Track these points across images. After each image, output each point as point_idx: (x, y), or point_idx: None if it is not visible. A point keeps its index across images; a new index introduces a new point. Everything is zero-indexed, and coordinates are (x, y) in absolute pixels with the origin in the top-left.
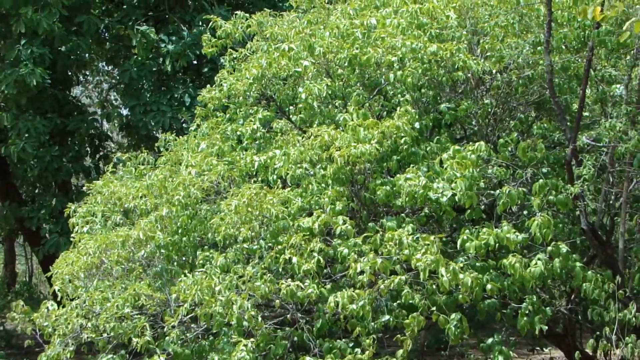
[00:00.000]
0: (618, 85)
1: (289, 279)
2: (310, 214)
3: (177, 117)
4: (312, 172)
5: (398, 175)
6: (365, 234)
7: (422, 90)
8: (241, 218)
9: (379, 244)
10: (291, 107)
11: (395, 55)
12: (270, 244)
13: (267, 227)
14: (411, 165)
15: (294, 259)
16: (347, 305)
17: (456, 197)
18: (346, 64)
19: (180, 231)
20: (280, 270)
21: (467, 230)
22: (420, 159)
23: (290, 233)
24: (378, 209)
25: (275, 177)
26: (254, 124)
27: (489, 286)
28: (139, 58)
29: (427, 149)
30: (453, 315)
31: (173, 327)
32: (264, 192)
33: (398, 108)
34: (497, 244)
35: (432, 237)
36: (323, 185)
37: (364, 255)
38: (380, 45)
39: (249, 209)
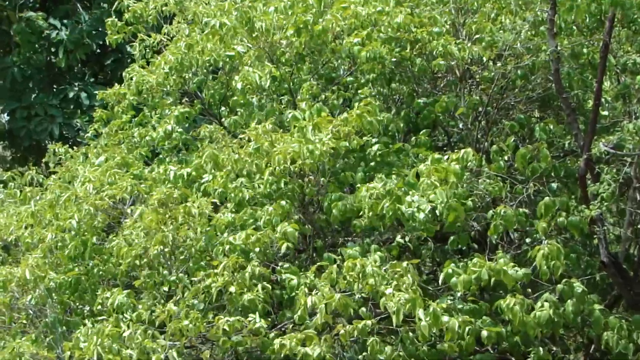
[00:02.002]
0: None
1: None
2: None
3: (70, 123)
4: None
5: (359, 186)
6: (318, 263)
7: (393, 85)
8: (149, 236)
9: (335, 277)
10: (223, 109)
11: (359, 36)
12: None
13: (184, 250)
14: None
15: (232, 288)
16: (297, 348)
17: (437, 211)
18: (295, 41)
19: (79, 268)
20: (207, 309)
21: (452, 263)
22: (393, 167)
23: (217, 256)
24: (337, 237)
25: (200, 195)
26: (168, 124)
27: (484, 333)
28: (23, 52)
29: (401, 155)
30: None
31: None
32: (178, 193)
33: (357, 104)
34: (491, 280)
35: (404, 264)
36: (263, 200)
37: (317, 289)
38: (341, 16)
39: (161, 225)
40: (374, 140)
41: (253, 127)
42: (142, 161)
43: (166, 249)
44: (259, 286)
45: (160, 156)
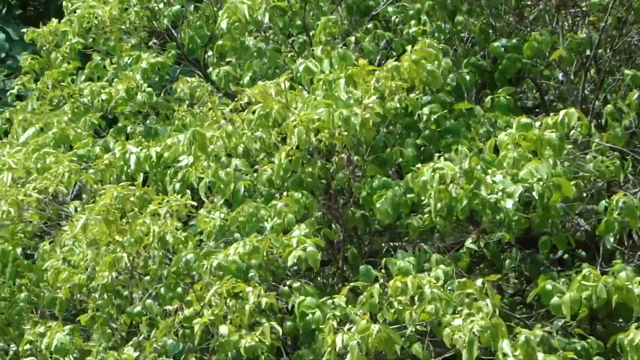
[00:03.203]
0: None
1: None
2: None
3: None
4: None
5: (420, 167)
6: (352, 284)
7: (459, 18)
8: (97, 251)
9: (376, 303)
10: (210, 54)
11: None
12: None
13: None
14: (438, 155)
15: (224, 329)
16: None
17: (534, 193)
18: None
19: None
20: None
21: (549, 278)
22: (460, 138)
23: (202, 276)
24: (378, 241)
25: (178, 185)
26: (131, 79)
27: None
28: None
29: (471, 121)
30: None
31: None
32: (139, 194)
33: (409, 48)
34: (612, 301)
35: (479, 282)
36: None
37: (352, 322)
38: None
39: (114, 235)
40: (425, 98)
41: (260, 86)
42: (91, 133)
43: (120, 277)
44: (265, 325)
45: (119, 125)
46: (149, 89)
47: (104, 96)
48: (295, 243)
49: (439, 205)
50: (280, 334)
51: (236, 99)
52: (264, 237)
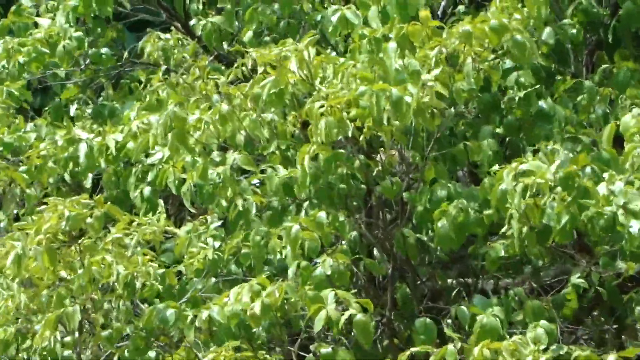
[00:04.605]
0: None
1: None
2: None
3: None
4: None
5: (499, 168)
6: (412, 349)
7: None
8: (35, 295)
9: None
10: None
11: None
12: None
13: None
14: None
15: None
16: None
17: None
18: None
19: None
20: None
21: None
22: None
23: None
24: (440, 276)
25: (147, 190)
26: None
27: None
28: None
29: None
30: None
31: None
32: (99, 213)
33: None
34: None
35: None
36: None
37: None
38: None
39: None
40: (507, 63)
41: (275, 53)
42: (12, 112)
43: (68, 338)
44: None
45: (57, 100)
46: (78, 34)
47: (22, 58)
48: (331, 300)
49: (524, 230)
50: None
51: (235, 65)
52: (272, 289)
